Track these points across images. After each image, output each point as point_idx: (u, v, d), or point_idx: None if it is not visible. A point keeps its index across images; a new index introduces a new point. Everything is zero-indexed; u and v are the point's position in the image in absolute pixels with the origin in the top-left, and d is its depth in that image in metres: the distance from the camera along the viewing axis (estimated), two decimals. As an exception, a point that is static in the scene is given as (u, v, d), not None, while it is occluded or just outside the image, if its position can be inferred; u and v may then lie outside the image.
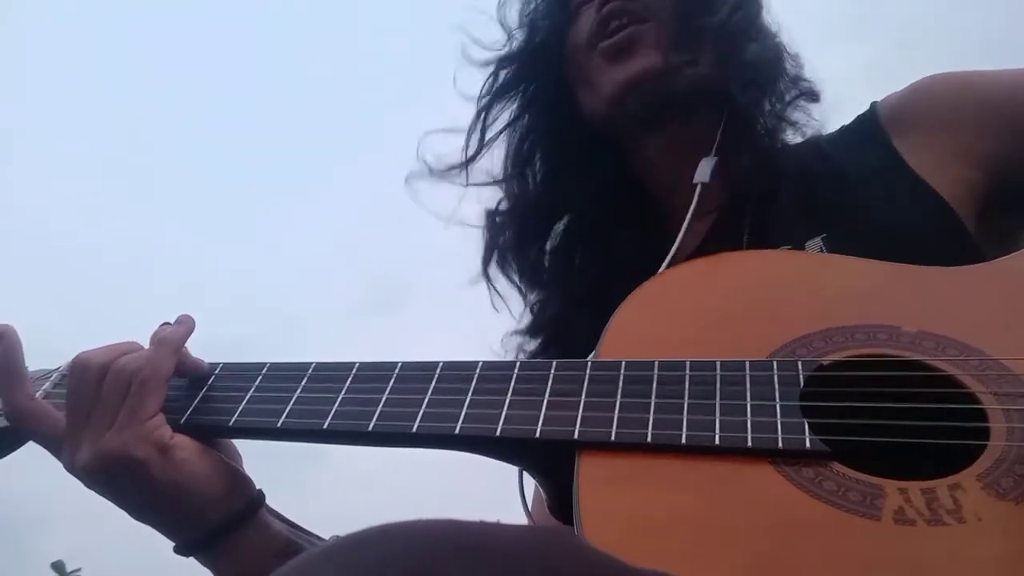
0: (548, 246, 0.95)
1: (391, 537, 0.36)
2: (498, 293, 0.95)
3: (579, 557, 0.38)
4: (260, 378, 0.71)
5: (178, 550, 0.69)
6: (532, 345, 0.93)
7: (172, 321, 0.73)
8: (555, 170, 0.94)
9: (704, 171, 0.84)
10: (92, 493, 0.69)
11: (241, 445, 0.75)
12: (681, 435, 0.56)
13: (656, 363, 0.62)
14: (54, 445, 0.69)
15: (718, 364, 0.61)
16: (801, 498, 0.51)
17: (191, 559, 0.70)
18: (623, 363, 0.63)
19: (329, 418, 0.65)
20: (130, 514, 0.69)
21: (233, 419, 0.68)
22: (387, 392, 0.66)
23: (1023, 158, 0.77)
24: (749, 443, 0.55)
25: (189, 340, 0.72)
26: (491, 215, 0.96)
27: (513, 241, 0.95)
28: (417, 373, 0.67)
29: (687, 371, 0.61)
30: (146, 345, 0.71)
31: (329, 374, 0.69)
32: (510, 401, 0.62)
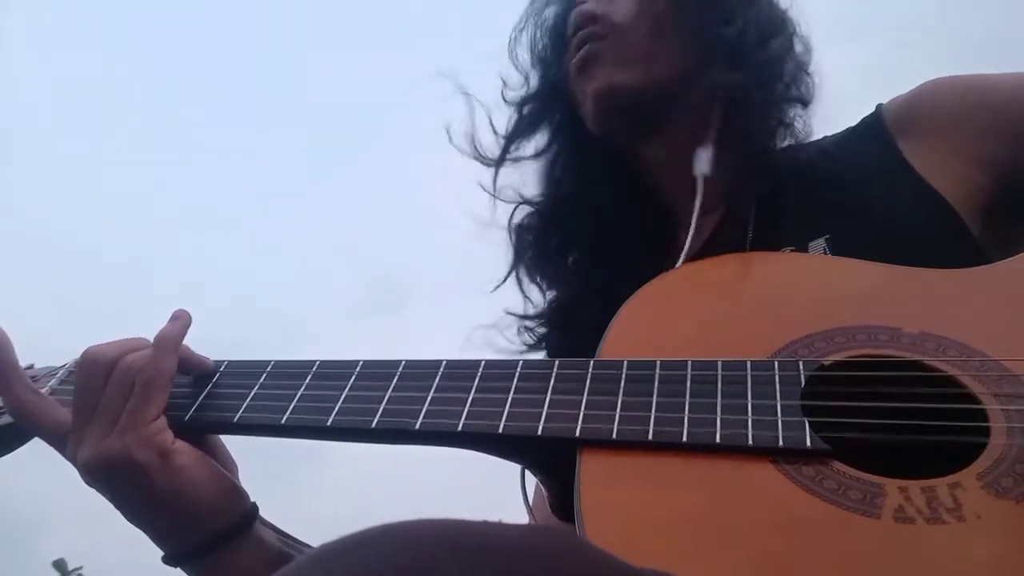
0: (569, 257, 0.97)
1: (391, 537, 0.36)
2: (530, 299, 0.97)
3: (580, 557, 0.38)
4: (265, 375, 0.71)
5: (167, 560, 0.69)
6: (535, 329, 0.94)
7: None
8: (579, 187, 0.96)
9: (703, 162, 0.84)
10: (91, 493, 0.69)
11: (241, 444, 0.75)
12: (682, 433, 0.56)
13: (658, 362, 0.62)
14: (57, 440, 0.69)
15: (719, 364, 0.61)
16: (801, 496, 0.51)
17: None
18: (625, 362, 0.63)
19: (333, 415, 0.66)
20: (125, 516, 0.69)
21: (238, 415, 0.68)
22: (390, 389, 0.66)
23: None
24: (750, 441, 0.55)
25: (189, 339, 0.72)
26: (517, 229, 0.98)
27: (538, 252, 0.97)
28: (420, 371, 0.67)
29: (688, 370, 0.61)
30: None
31: (333, 371, 0.70)
32: (512, 399, 0.62)
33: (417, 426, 0.63)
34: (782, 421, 0.56)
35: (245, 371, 0.72)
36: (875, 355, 0.61)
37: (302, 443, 0.69)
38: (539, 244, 0.96)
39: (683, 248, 0.86)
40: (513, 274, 0.96)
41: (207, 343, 0.75)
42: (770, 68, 0.86)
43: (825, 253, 0.76)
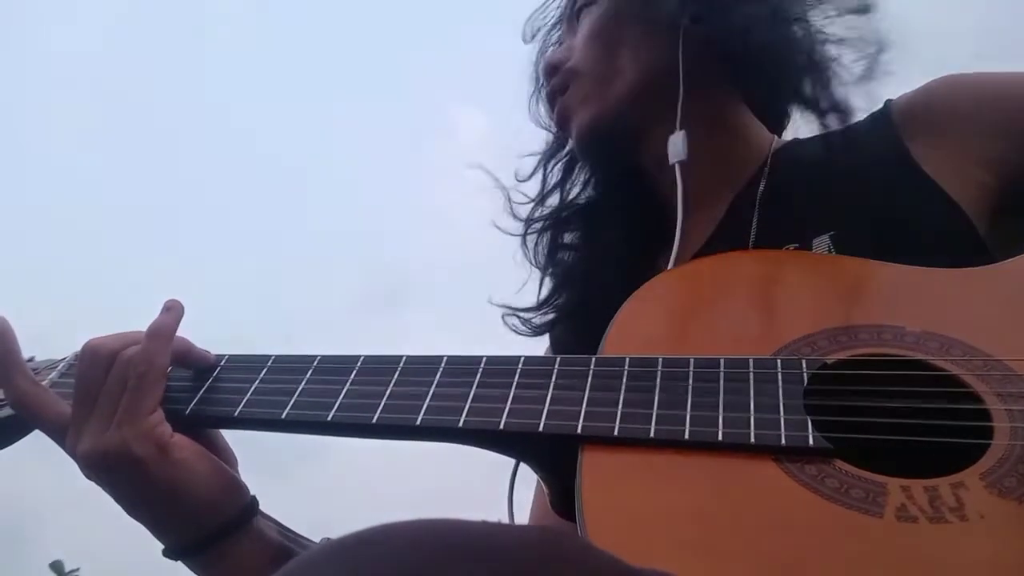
0: (571, 251, 0.98)
1: (391, 537, 0.36)
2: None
3: (580, 557, 0.38)
4: (265, 370, 0.71)
5: (168, 553, 0.69)
6: (537, 319, 0.95)
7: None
8: (583, 191, 0.99)
9: (676, 148, 0.84)
10: (90, 494, 0.69)
11: (241, 441, 0.75)
12: (684, 431, 0.56)
13: (660, 360, 0.62)
14: (57, 433, 0.69)
15: (722, 361, 0.61)
16: (803, 495, 0.51)
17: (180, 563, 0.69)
18: (627, 359, 0.63)
19: (334, 410, 0.66)
20: (125, 509, 0.68)
21: (238, 410, 0.68)
22: (391, 385, 0.66)
23: None
24: (752, 439, 0.55)
25: (190, 334, 0.72)
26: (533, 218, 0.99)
27: (549, 250, 0.98)
28: (421, 367, 0.67)
29: (691, 368, 0.61)
30: None
31: (334, 367, 0.70)
32: (514, 395, 0.62)
33: (418, 422, 0.63)
34: (784, 419, 0.56)
35: (246, 365, 0.72)
36: (878, 354, 0.60)
37: (302, 440, 0.69)
38: (551, 243, 0.98)
39: (686, 242, 0.86)
40: (534, 271, 0.97)
41: (207, 340, 0.75)
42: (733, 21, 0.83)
43: (829, 250, 0.76)
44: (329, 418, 0.65)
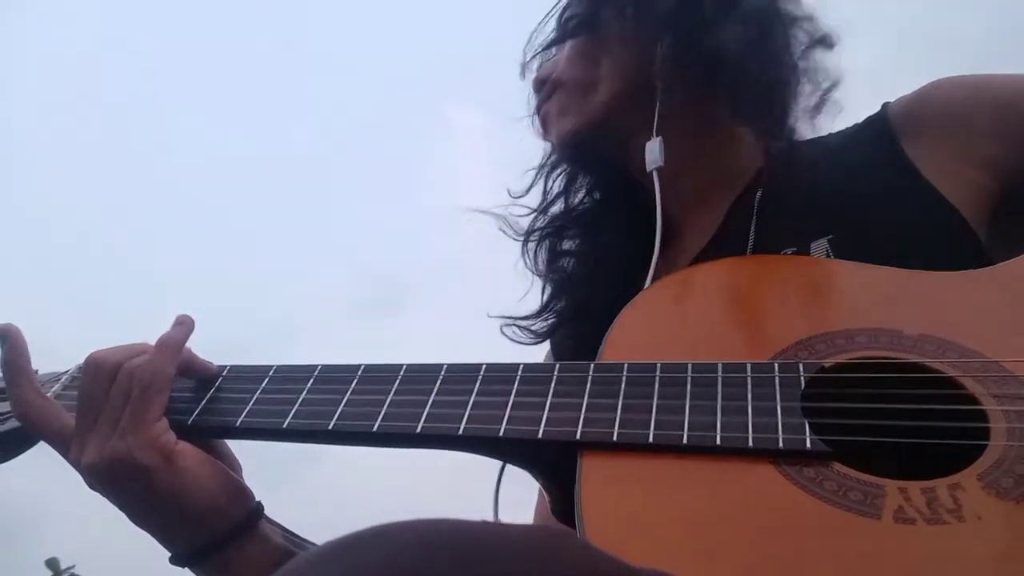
0: (570, 257, 0.99)
1: (390, 537, 0.36)
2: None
3: (580, 557, 0.38)
4: (267, 380, 0.72)
5: (174, 560, 0.69)
6: (536, 327, 0.95)
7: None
8: (577, 196, 1.01)
9: (653, 156, 0.84)
10: (87, 493, 0.69)
11: (241, 445, 0.75)
12: (683, 435, 0.56)
13: (658, 365, 0.62)
14: (62, 445, 0.70)
15: (720, 366, 0.61)
16: (802, 497, 0.51)
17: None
18: (625, 365, 0.63)
19: (334, 419, 0.66)
20: (130, 518, 0.69)
21: (240, 419, 0.69)
22: (391, 393, 0.66)
23: None
24: (750, 443, 0.55)
25: (191, 341, 0.72)
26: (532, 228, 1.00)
27: (549, 257, 0.99)
28: (421, 375, 0.68)
29: (689, 373, 0.61)
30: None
31: (335, 375, 0.70)
32: (513, 402, 0.63)
33: (418, 429, 0.63)
34: (782, 423, 0.56)
35: (247, 376, 0.73)
36: (875, 357, 0.61)
37: (302, 445, 0.70)
38: (551, 250, 0.99)
39: (683, 249, 0.86)
40: (534, 277, 0.98)
41: (204, 344, 0.75)
42: (712, 39, 0.83)
43: (827, 254, 0.76)
44: (330, 427, 0.66)
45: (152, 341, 0.71)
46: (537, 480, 0.68)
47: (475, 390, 0.65)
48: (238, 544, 0.68)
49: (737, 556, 0.49)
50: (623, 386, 0.61)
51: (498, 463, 0.68)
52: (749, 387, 0.59)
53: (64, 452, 0.70)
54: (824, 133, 0.88)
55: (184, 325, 0.72)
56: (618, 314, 0.71)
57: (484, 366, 0.67)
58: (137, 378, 0.67)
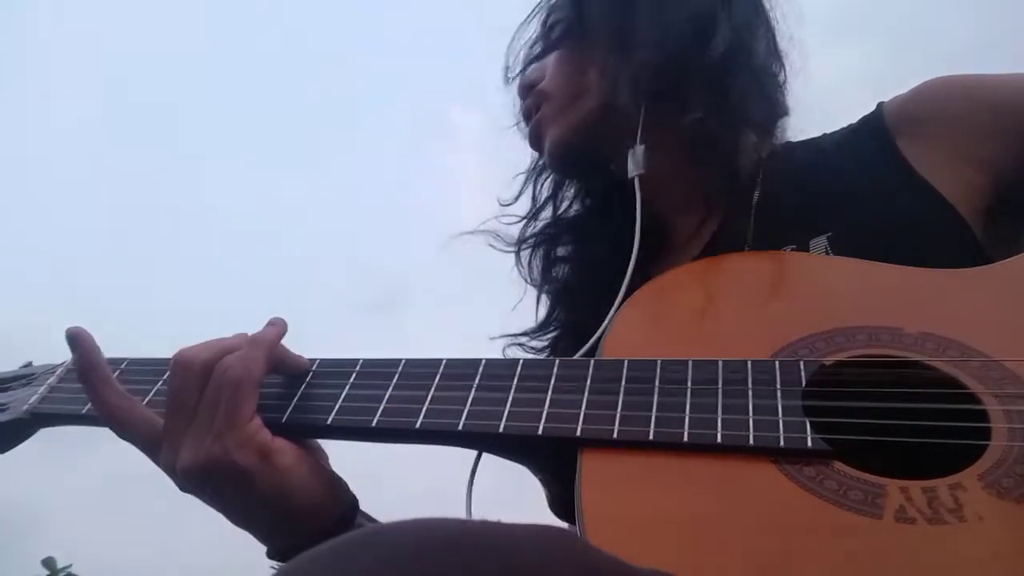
0: (564, 265, 0.99)
1: (391, 537, 0.36)
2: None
3: (580, 557, 0.38)
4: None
5: (273, 555, 0.67)
6: (536, 343, 0.94)
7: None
8: (579, 212, 1.01)
9: (634, 163, 0.84)
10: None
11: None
12: (683, 433, 0.56)
13: (659, 362, 0.62)
14: (149, 448, 0.67)
15: (720, 363, 0.61)
16: (803, 496, 0.51)
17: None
18: (626, 362, 0.63)
19: (332, 414, 0.66)
20: (229, 519, 0.67)
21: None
22: (390, 388, 0.66)
23: None
24: (751, 441, 0.55)
25: (189, 340, 0.71)
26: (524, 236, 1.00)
27: (540, 268, 0.99)
28: (420, 370, 0.67)
29: (689, 370, 0.61)
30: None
31: (333, 371, 0.70)
32: (513, 398, 0.62)
33: (417, 425, 0.63)
34: (783, 421, 0.56)
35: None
36: (876, 355, 0.60)
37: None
38: (545, 258, 0.98)
39: (681, 251, 0.86)
40: (528, 287, 0.98)
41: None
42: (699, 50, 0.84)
43: (826, 252, 0.76)
44: (328, 422, 0.66)
45: (229, 334, 0.69)
46: (536, 477, 0.68)
47: (475, 386, 0.64)
48: None
49: (737, 554, 0.49)
50: (623, 383, 0.61)
51: (499, 461, 0.68)
52: (750, 385, 0.59)
53: (152, 454, 0.67)
54: (819, 133, 0.88)
55: (277, 327, 0.69)
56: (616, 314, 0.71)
57: (484, 362, 0.67)
58: (229, 376, 0.64)
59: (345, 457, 0.71)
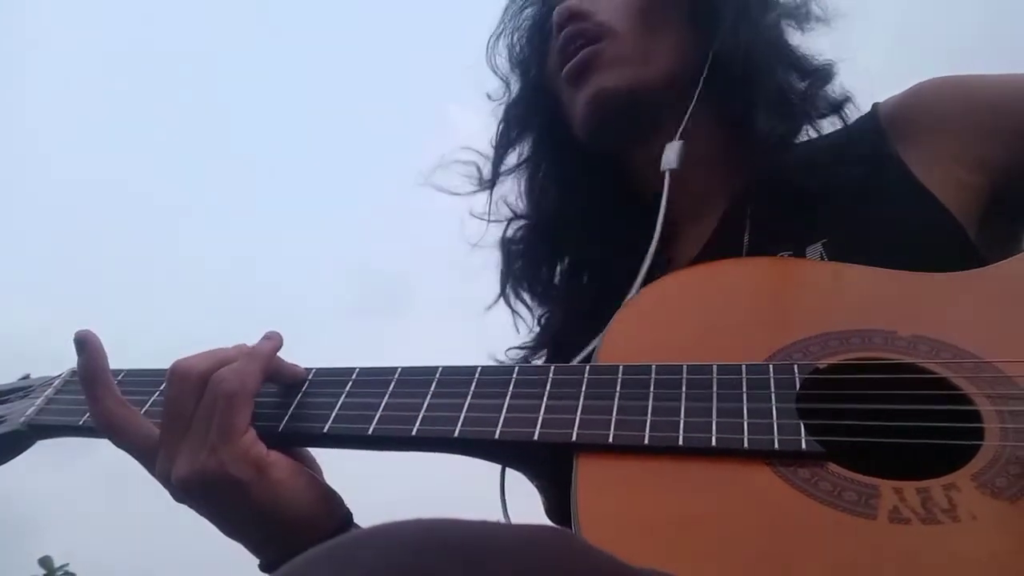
0: (558, 267, 0.96)
1: (390, 537, 0.36)
2: (520, 315, 0.97)
3: (580, 556, 0.38)
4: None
5: (265, 567, 0.67)
6: (535, 358, 0.93)
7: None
8: (563, 195, 0.95)
9: (670, 157, 0.83)
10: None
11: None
12: (678, 437, 0.57)
13: (653, 366, 0.63)
14: (145, 457, 0.67)
15: (715, 367, 0.61)
16: (797, 498, 0.51)
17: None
18: (620, 367, 0.63)
19: (329, 422, 0.66)
20: (221, 530, 0.67)
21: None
22: (386, 396, 0.66)
23: None
24: (745, 444, 0.55)
25: (189, 340, 0.71)
26: (506, 243, 0.97)
27: (526, 265, 0.96)
28: (416, 378, 0.67)
29: (684, 374, 0.61)
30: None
31: (329, 379, 0.70)
32: (509, 404, 0.63)
33: (413, 432, 0.63)
34: (777, 424, 0.56)
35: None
36: (869, 358, 0.61)
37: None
38: (527, 258, 0.96)
39: (678, 253, 0.86)
40: (503, 292, 0.96)
41: (204, 344, 0.74)
42: (766, 54, 0.84)
43: (822, 257, 0.76)
44: (325, 430, 0.66)
45: (227, 344, 0.68)
46: (533, 482, 0.68)
47: (470, 393, 0.65)
48: None
49: (732, 557, 0.49)
50: (618, 387, 0.62)
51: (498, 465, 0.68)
52: (744, 388, 0.59)
53: (147, 464, 0.67)
54: (815, 135, 0.88)
55: (273, 340, 0.69)
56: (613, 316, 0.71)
57: (479, 368, 0.67)
58: (223, 389, 0.63)
59: (344, 463, 0.71)
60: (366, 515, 0.70)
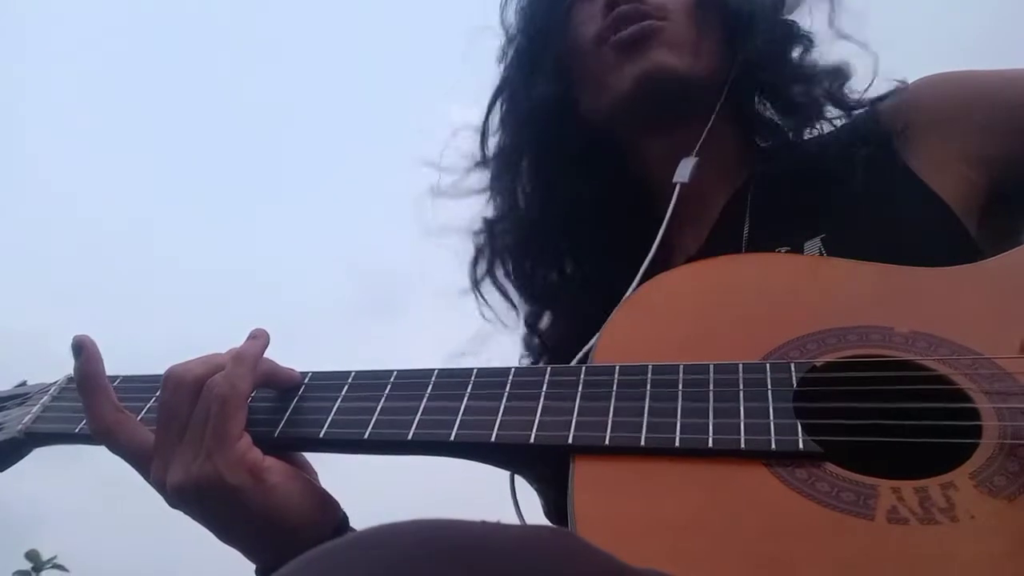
0: (554, 264, 0.95)
1: (389, 538, 0.36)
2: (487, 304, 0.95)
3: (580, 557, 0.38)
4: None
5: (261, 572, 0.67)
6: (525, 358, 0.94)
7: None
8: (551, 180, 0.93)
9: (683, 171, 0.84)
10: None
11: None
12: (675, 438, 0.56)
13: (650, 367, 0.62)
14: (140, 463, 0.67)
15: (711, 367, 0.61)
16: (795, 499, 0.51)
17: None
18: (617, 368, 0.63)
19: (325, 427, 0.66)
20: (217, 536, 0.66)
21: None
22: (382, 400, 0.66)
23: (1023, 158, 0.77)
24: (742, 445, 0.55)
25: (188, 340, 0.71)
26: (488, 224, 0.96)
27: (512, 254, 0.95)
28: (412, 381, 0.67)
29: (680, 375, 0.61)
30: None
31: (326, 383, 0.70)
32: (505, 407, 0.62)
33: (409, 436, 0.63)
34: (774, 424, 0.56)
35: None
36: (867, 355, 0.60)
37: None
38: (515, 250, 0.95)
39: (678, 249, 0.86)
40: (481, 277, 0.95)
41: (204, 345, 0.74)
42: (789, 65, 0.86)
43: (821, 253, 0.76)
44: (321, 435, 0.65)
45: (227, 342, 0.68)
46: (531, 485, 0.68)
47: (466, 395, 0.64)
48: None
49: (730, 559, 0.49)
50: (615, 389, 0.61)
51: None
52: (741, 388, 0.59)
53: (142, 471, 0.67)
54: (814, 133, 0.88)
55: (259, 339, 0.68)
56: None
57: (475, 371, 0.67)
58: (215, 394, 0.63)
59: (343, 466, 0.71)
60: (364, 520, 0.70)
